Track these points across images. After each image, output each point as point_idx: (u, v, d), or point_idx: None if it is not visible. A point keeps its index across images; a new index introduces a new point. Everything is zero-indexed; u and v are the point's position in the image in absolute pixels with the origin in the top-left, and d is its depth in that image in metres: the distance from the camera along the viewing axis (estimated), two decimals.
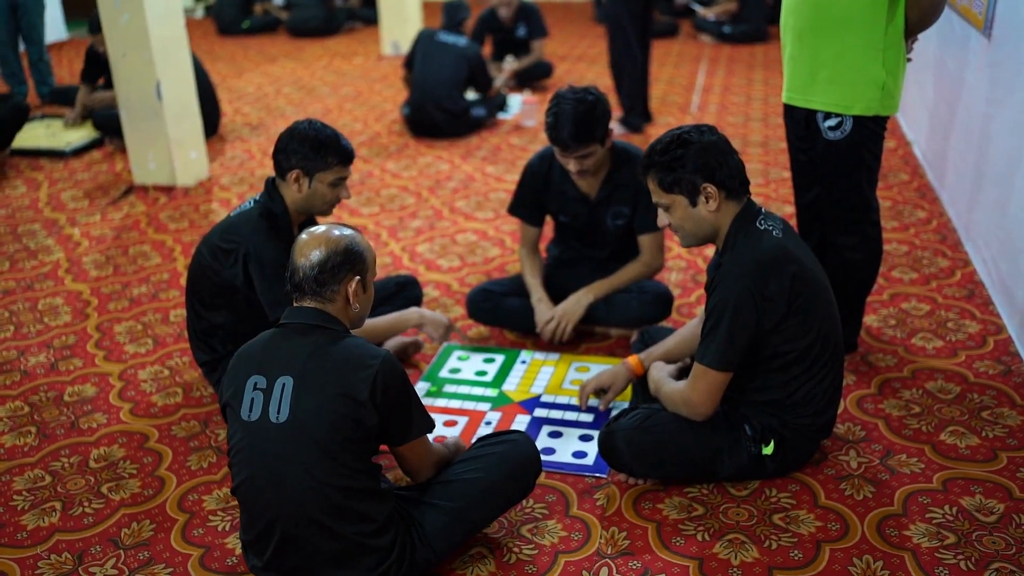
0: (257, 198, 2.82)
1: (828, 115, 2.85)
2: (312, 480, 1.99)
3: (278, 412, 2.00)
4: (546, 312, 3.23)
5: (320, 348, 2.03)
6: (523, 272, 3.38)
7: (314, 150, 2.70)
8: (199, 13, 11.37)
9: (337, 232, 2.11)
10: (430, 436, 2.23)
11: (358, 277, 2.11)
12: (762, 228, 2.38)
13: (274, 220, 2.76)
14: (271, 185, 2.79)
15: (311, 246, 2.08)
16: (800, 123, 2.99)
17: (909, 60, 2.91)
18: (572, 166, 3.11)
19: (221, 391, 2.15)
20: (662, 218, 2.48)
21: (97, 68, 6.00)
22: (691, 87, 7.01)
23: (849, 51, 2.78)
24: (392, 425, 2.10)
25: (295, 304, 2.12)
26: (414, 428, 2.14)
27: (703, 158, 2.34)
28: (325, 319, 2.08)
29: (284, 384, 2.01)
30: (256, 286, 2.72)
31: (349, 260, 2.09)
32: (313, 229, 2.13)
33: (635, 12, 5.63)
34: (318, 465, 1.99)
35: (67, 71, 8.37)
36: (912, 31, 2.80)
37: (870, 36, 2.75)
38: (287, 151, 2.72)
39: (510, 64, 6.81)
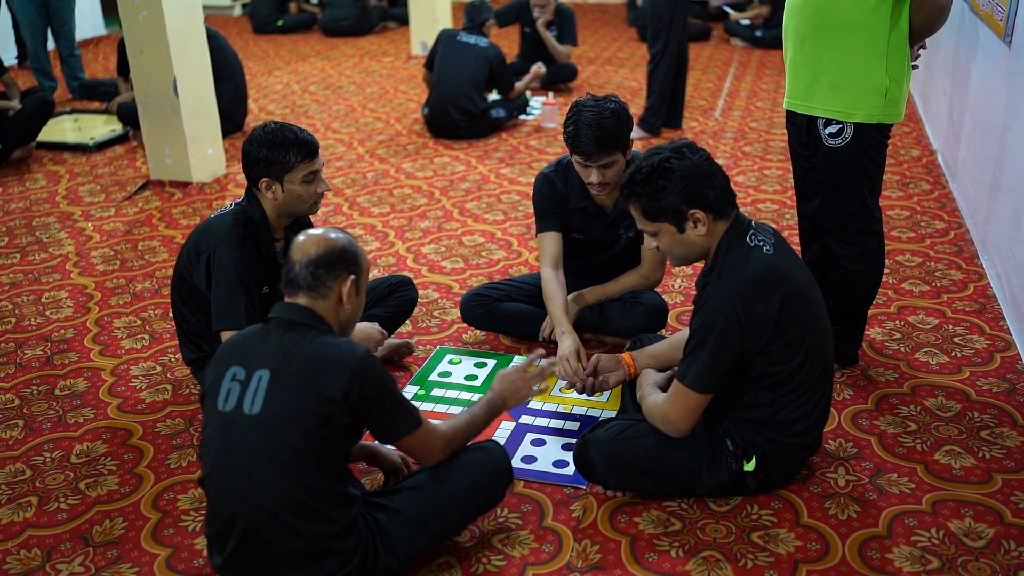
0: (238, 201, 2.80)
1: (829, 122, 2.77)
2: (276, 475, 1.97)
3: (252, 404, 2.00)
4: (568, 344, 2.86)
5: (300, 344, 2.03)
6: (546, 298, 3.05)
7: (273, 153, 2.66)
8: (236, 11, 11.47)
9: (334, 234, 2.14)
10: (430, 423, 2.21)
11: (352, 277, 2.12)
12: (752, 244, 2.29)
13: (250, 227, 2.74)
14: (250, 190, 2.78)
15: (309, 243, 2.11)
16: (802, 129, 2.92)
17: (915, 67, 2.82)
18: (594, 177, 2.94)
19: (202, 381, 2.14)
20: (649, 241, 2.40)
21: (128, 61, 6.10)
22: (718, 91, 6.91)
23: (851, 57, 2.69)
24: (374, 425, 2.09)
25: (287, 300, 2.12)
26: (397, 426, 2.13)
27: (687, 185, 2.24)
28: (311, 317, 2.08)
29: (261, 377, 2.01)
30: (211, 292, 2.70)
31: (344, 259, 2.11)
32: (311, 231, 2.16)
33: (682, 16, 5.57)
34: (284, 460, 1.97)
35: (103, 67, 8.49)
36: (917, 37, 2.71)
37: (873, 42, 2.66)
38: (249, 160, 2.69)
39: (538, 68, 6.72)
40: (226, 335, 2.66)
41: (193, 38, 4.99)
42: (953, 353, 3.13)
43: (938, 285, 3.62)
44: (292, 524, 1.98)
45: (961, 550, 2.25)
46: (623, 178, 2.35)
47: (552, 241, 3.12)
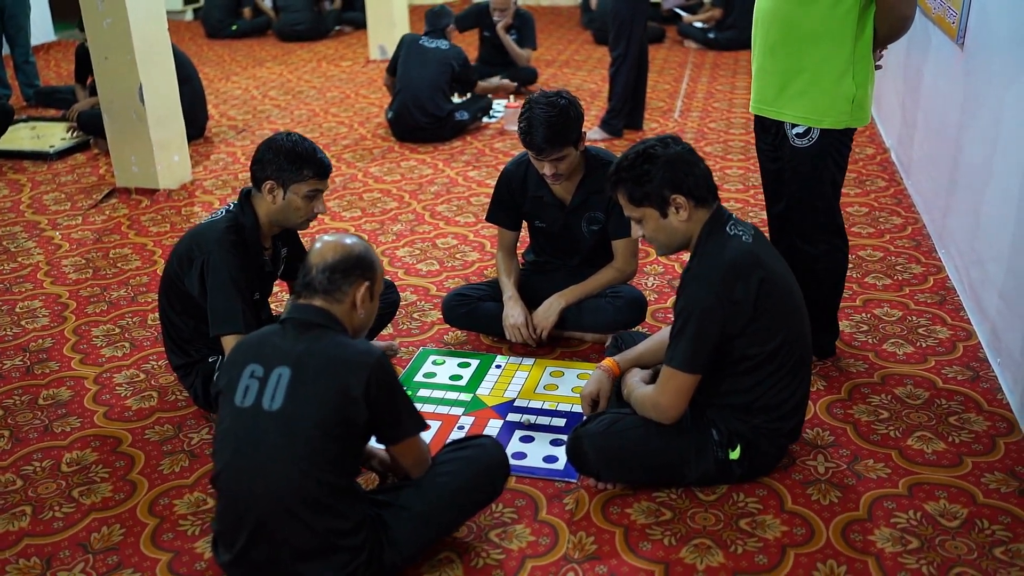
0: (230, 207, 2.83)
1: (796, 123, 2.88)
2: (295, 470, 2.02)
3: (272, 400, 2.05)
4: (515, 310, 3.25)
5: (319, 343, 2.09)
6: (498, 273, 3.41)
7: (290, 161, 2.71)
8: (188, 15, 11.37)
9: (351, 240, 2.21)
10: (424, 435, 2.27)
11: (367, 283, 2.19)
12: (731, 233, 2.41)
13: (240, 233, 2.77)
14: (244, 197, 2.81)
15: (327, 249, 2.17)
16: (770, 131, 3.02)
17: (879, 68, 2.94)
18: (547, 170, 3.14)
19: (216, 381, 2.19)
20: (635, 230, 2.50)
21: (87, 66, 6.07)
22: (675, 93, 7.04)
23: (820, 65, 2.80)
24: (383, 423, 2.15)
25: (303, 302, 2.16)
26: (406, 427, 2.19)
27: (670, 170, 2.37)
28: (327, 318, 2.14)
29: (281, 374, 2.06)
30: (208, 298, 2.73)
31: (361, 266, 2.17)
32: (327, 236, 2.22)
33: (643, 18, 5.67)
34: (303, 455, 2.02)
35: (54, 73, 8.37)
36: (880, 43, 2.84)
37: (840, 50, 2.77)
38: (263, 161, 2.73)
39: (502, 82, 6.83)
40: (227, 340, 2.69)
41: (158, 44, 4.96)
42: (918, 343, 3.26)
43: (900, 278, 3.77)
44: (307, 519, 2.03)
45: (938, 530, 2.36)
46: (610, 168, 2.45)
47: (503, 233, 3.45)
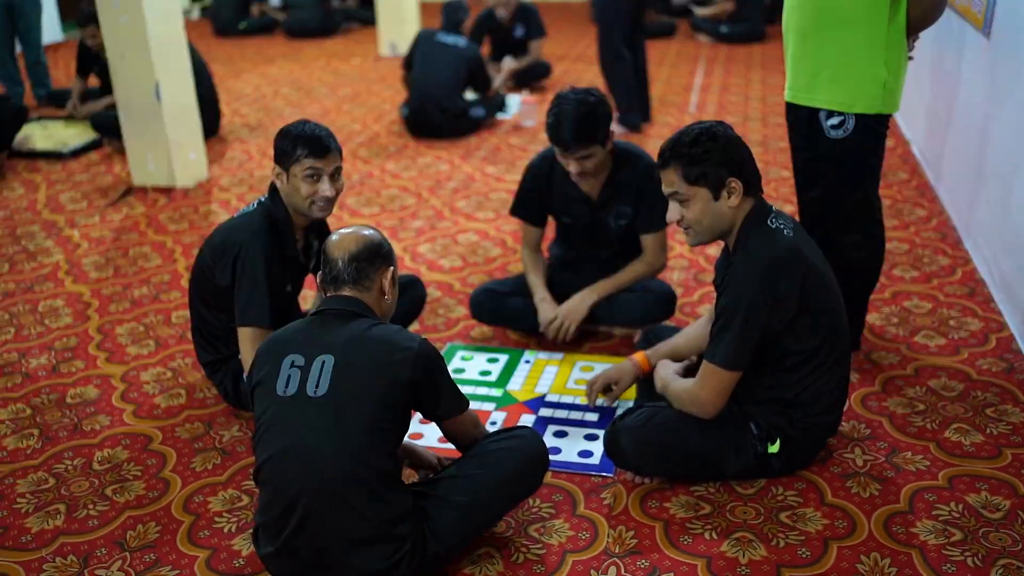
0: (261, 200, 2.81)
1: (831, 113, 2.85)
2: (346, 455, 2.02)
3: (316, 387, 2.05)
4: (549, 311, 3.22)
5: (361, 331, 2.11)
6: (525, 272, 3.38)
7: (285, 143, 2.71)
8: (195, 14, 11.35)
9: (367, 231, 2.26)
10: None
11: (392, 268, 2.23)
12: (773, 227, 2.39)
13: (275, 224, 2.76)
14: (273, 189, 2.80)
15: (347, 240, 2.20)
16: (803, 121, 2.99)
17: (911, 59, 2.91)
18: (572, 167, 3.11)
19: (251, 374, 2.18)
20: (673, 213, 2.44)
21: (87, 62, 6.09)
22: (689, 87, 7.02)
23: (852, 50, 2.78)
24: (430, 405, 2.19)
25: (332, 294, 2.19)
26: (451, 406, 2.23)
27: (730, 152, 2.36)
28: (362, 307, 2.16)
29: (324, 361, 2.07)
30: (236, 287, 2.71)
31: (381, 253, 2.22)
32: (342, 230, 2.25)
33: (622, 11, 5.63)
34: (354, 441, 2.03)
35: (63, 73, 8.35)
36: (913, 30, 2.81)
37: (872, 35, 2.75)
38: (273, 150, 2.75)
39: (508, 64, 6.80)
40: (247, 331, 2.69)
41: (174, 42, 4.96)
42: (950, 335, 3.24)
43: (927, 270, 3.74)
44: (357, 506, 2.02)
45: (981, 522, 2.34)
46: (665, 144, 2.41)
47: (527, 229, 3.40)
